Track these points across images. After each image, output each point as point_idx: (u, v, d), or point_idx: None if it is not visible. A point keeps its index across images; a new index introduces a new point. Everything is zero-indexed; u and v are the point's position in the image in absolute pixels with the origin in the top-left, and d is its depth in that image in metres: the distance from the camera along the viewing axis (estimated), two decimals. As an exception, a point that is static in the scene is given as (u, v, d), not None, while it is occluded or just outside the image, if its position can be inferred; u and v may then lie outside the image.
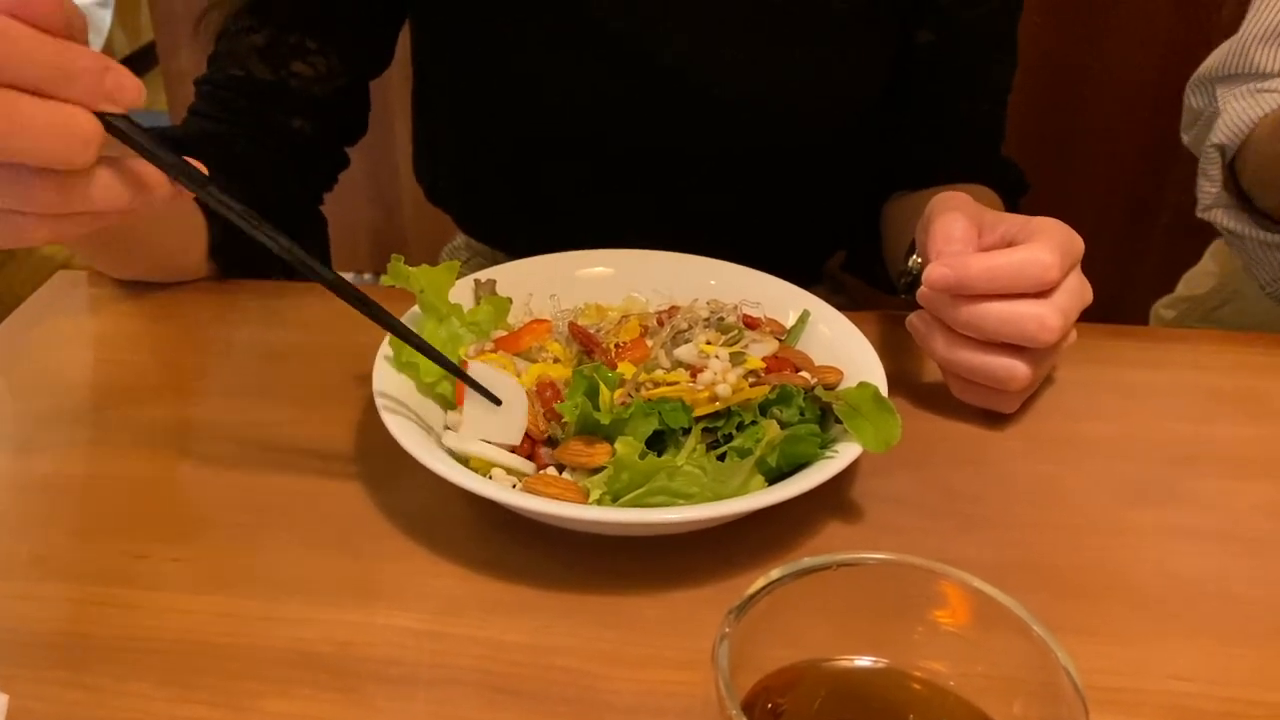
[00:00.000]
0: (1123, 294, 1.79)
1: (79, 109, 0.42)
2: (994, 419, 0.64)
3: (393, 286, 0.60)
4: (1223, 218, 0.89)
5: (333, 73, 0.80)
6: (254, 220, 0.49)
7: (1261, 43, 0.84)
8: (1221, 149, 0.86)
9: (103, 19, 3.33)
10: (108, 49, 3.36)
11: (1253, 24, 0.86)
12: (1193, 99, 0.92)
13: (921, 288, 0.60)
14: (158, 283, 0.75)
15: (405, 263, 0.61)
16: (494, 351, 0.59)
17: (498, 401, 0.55)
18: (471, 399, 0.55)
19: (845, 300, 1.02)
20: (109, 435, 0.61)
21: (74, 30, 0.43)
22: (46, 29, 0.41)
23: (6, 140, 0.41)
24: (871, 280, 0.97)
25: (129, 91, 0.44)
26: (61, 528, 0.54)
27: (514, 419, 0.55)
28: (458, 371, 0.56)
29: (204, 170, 0.48)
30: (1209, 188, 0.88)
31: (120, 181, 0.46)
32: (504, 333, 0.62)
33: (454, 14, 0.81)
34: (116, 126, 0.44)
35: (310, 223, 0.86)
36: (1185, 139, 0.97)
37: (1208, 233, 1.16)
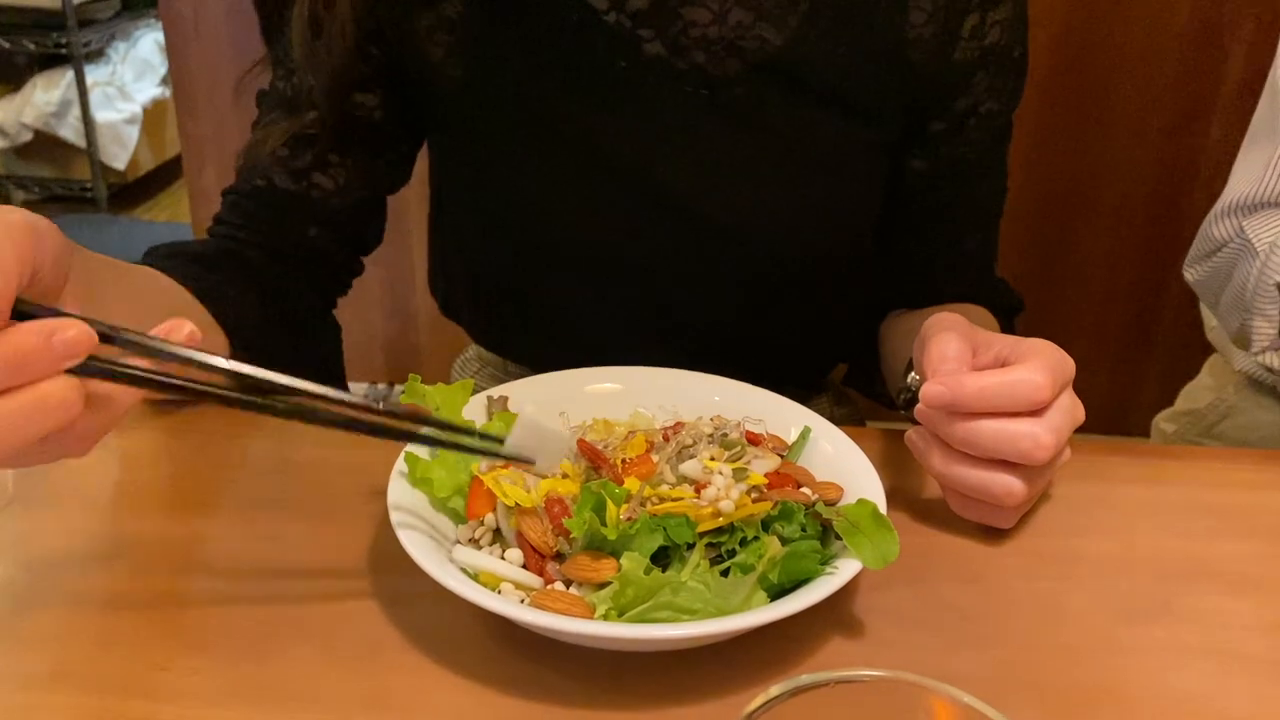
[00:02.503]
0: (1125, 406, 1.81)
1: (46, 382, 0.43)
2: (992, 534, 0.65)
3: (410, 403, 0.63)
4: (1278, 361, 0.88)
5: (352, 185, 0.84)
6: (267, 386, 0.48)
7: None
8: None
9: (130, 136, 3.45)
10: (133, 165, 3.47)
11: None
12: (1216, 229, 0.91)
13: (918, 405, 0.62)
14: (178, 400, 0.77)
15: (420, 375, 0.63)
16: (505, 467, 0.61)
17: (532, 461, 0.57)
18: (521, 430, 0.56)
19: (851, 411, 1.04)
20: (131, 548, 0.63)
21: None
22: None
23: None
24: (871, 394, 1.00)
25: (81, 344, 0.43)
26: (83, 640, 0.55)
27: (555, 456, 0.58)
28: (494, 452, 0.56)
29: (195, 341, 0.47)
30: (1266, 328, 0.86)
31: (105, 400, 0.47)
32: (515, 448, 0.64)
33: (467, 141, 0.85)
34: (90, 370, 0.44)
35: (323, 329, 0.89)
36: (1190, 275, 0.96)
37: (1206, 346, 1.19)
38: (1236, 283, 0.89)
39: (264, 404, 0.48)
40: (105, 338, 0.45)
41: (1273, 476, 0.74)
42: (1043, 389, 0.59)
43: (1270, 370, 0.88)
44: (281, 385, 0.47)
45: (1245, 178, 0.90)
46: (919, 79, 0.81)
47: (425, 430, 0.53)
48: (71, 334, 0.43)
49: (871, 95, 0.80)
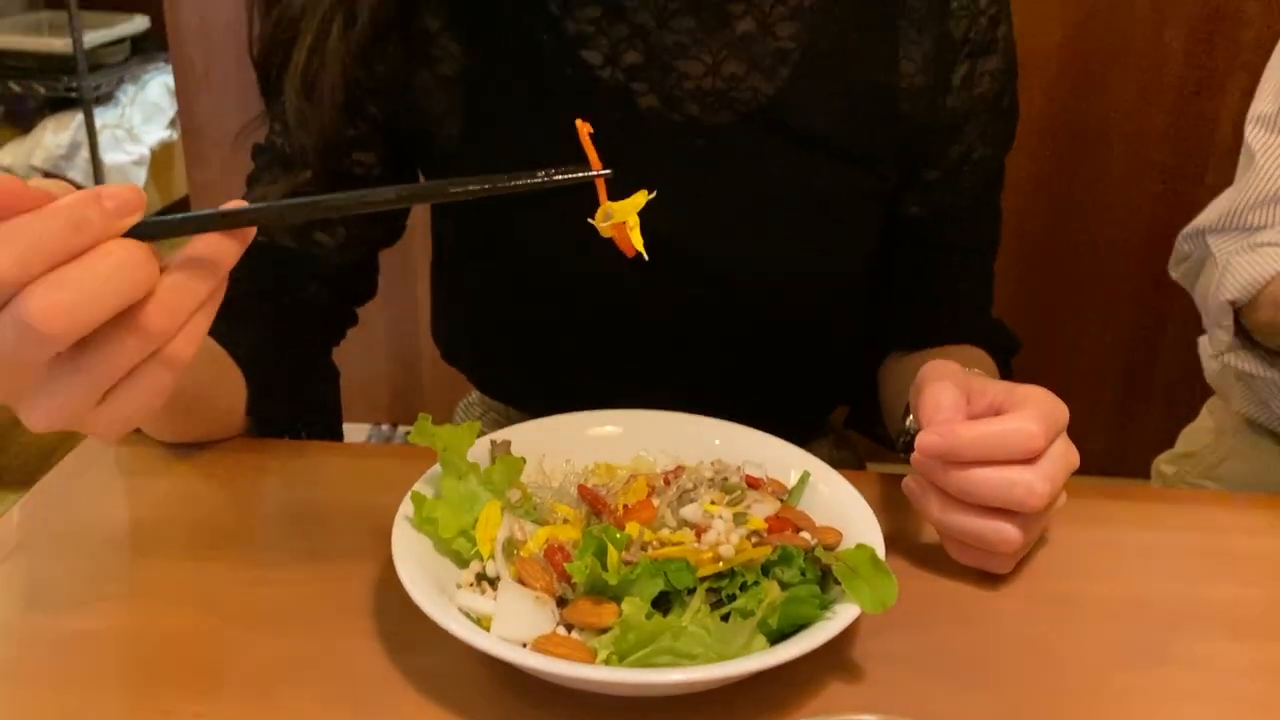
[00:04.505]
0: (1125, 448, 1.81)
1: (110, 242, 0.44)
2: (990, 579, 0.65)
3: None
4: (1237, 360, 1.01)
5: (351, 243, 0.85)
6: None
7: (1254, 208, 0.97)
8: (1234, 304, 0.96)
9: (138, 177, 3.48)
10: (141, 205, 3.50)
11: (1247, 192, 0.98)
12: (1184, 245, 1.07)
13: (914, 453, 0.63)
14: (192, 442, 0.78)
15: (428, 416, 0.64)
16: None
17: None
18: (505, 593, 0.57)
19: (850, 455, 1.04)
20: (137, 590, 0.63)
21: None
22: (31, 206, 0.43)
23: (81, 313, 0.43)
24: (873, 436, 1.00)
25: (131, 201, 0.45)
26: (91, 682, 0.56)
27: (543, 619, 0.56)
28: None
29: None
30: (1223, 336, 0.99)
31: (186, 273, 0.48)
32: (518, 492, 0.64)
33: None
34: (147, 232, 0.45)
35: (321, 371, 0.90)
36: (1174, 273, 1.10)
37: (1205, 389, 1.19)
38: (1202, 284, 1.01)
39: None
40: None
41: (1271, 521, 0.74)
42: (1036, 437, 0.60)
43: (1247, 374, 1.03)
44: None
45: (1214, 208, 1.02)
46: (911, 127, 0.82)
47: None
48: (122, 191, 0.44)
49: (865, 143, 0.82)
